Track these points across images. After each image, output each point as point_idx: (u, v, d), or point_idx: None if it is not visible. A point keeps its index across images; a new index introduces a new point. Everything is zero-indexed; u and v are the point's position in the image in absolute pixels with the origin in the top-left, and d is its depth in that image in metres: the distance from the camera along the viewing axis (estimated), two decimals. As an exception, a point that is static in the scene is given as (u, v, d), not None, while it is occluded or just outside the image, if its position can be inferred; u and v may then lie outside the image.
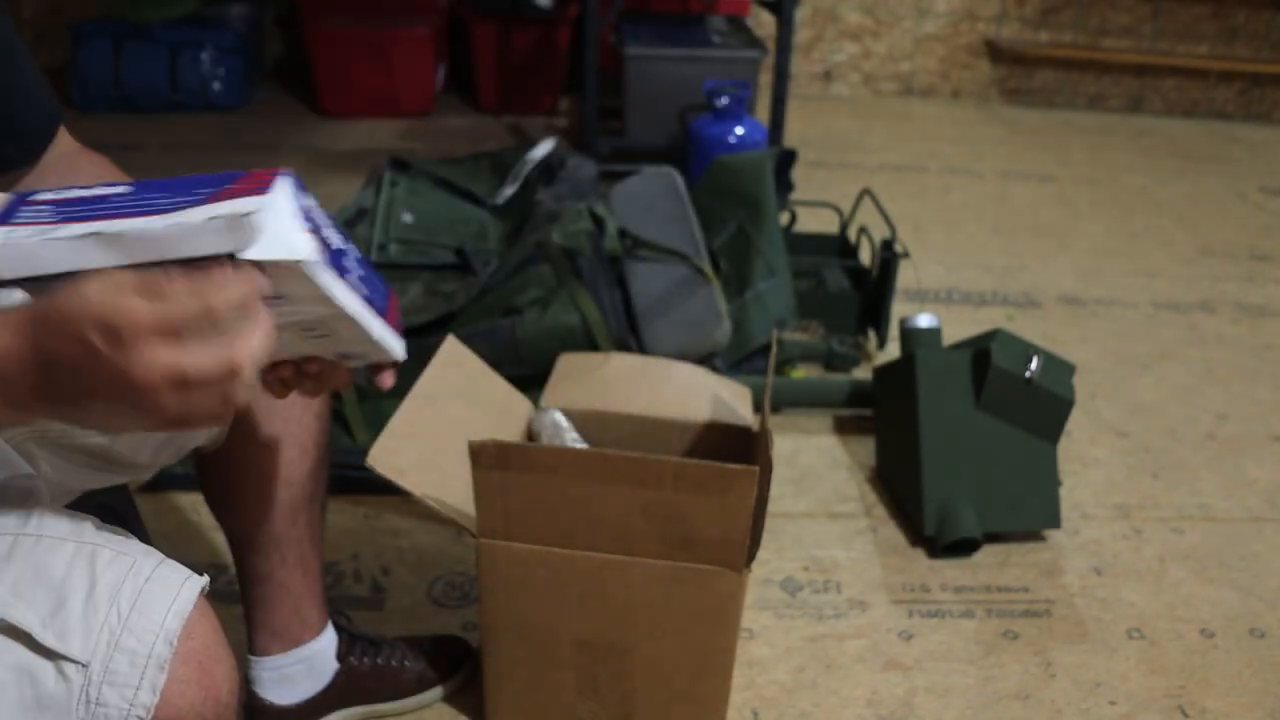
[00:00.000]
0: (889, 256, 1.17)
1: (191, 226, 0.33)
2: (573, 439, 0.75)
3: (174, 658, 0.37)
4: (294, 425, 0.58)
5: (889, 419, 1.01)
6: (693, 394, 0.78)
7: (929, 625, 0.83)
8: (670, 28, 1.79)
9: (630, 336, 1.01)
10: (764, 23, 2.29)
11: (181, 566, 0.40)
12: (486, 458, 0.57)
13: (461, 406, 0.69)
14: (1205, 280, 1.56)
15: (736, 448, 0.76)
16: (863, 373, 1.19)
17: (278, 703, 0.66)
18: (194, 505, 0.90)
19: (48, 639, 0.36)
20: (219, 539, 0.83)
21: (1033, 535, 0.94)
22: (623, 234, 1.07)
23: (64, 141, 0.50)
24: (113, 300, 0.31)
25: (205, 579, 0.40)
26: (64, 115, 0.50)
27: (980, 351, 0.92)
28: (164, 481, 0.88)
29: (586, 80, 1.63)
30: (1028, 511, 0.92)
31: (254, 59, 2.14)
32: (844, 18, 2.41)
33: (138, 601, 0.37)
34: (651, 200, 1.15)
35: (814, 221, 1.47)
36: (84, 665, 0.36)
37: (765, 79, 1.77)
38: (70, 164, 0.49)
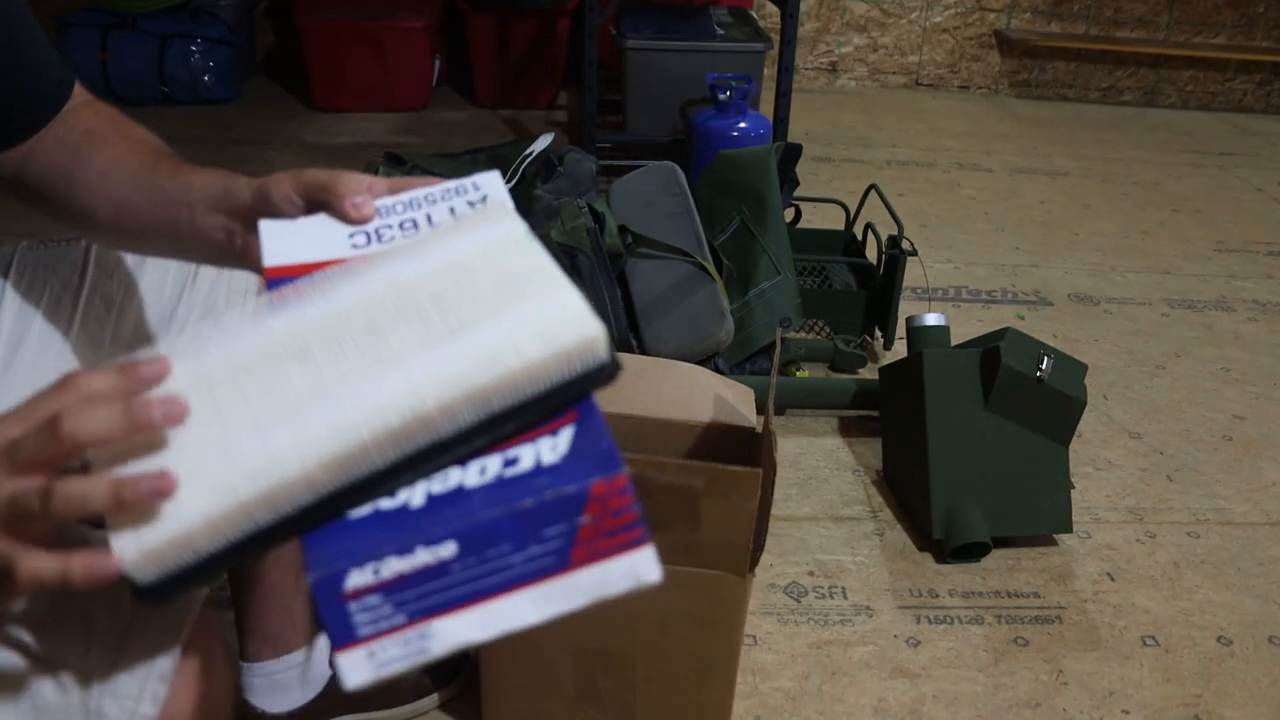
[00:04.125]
0: (896, 254, 1.15)
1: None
2: (571, 441, 0.73)
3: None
4: None
5: (895, 420, 0.99)
6: (695, 394, 0.77)
7: (937, 631, 0.81)
8: (671, 19, 1.76)
9: (631, 336, 0.99)
10: (768, 14, 2.26)
11: None
12: (481, 461, 0.56)
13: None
14: (1221, 278, 1.53)
15: (739, 449, 0.74)
16: (869, 373, 1.17)
17: (270, 710, 0.65)
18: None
19: (46, 650, 0.35)
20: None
21: (1043, 539, 0.92)
22: (623, 231, 1.05)
23: (76, 100, 0.47)
24: None
25: (204, 588, 0.38)
26: (73, 78, 0.47)
27: (989, 351, 0.89)
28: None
29: (585, 73, 1.60)
30: (1038, 515, 0.90)
31: (245, 51, 2.12)
32: (850, 9, 2.37)
33: (138, 611, 0.36)
34: (652, 196, 1.13)
35: (819, 218, 1.45)
36: (83, 676, 0.35)
37: (769, 72, 1.74)
38: (84, 128, 0.45)
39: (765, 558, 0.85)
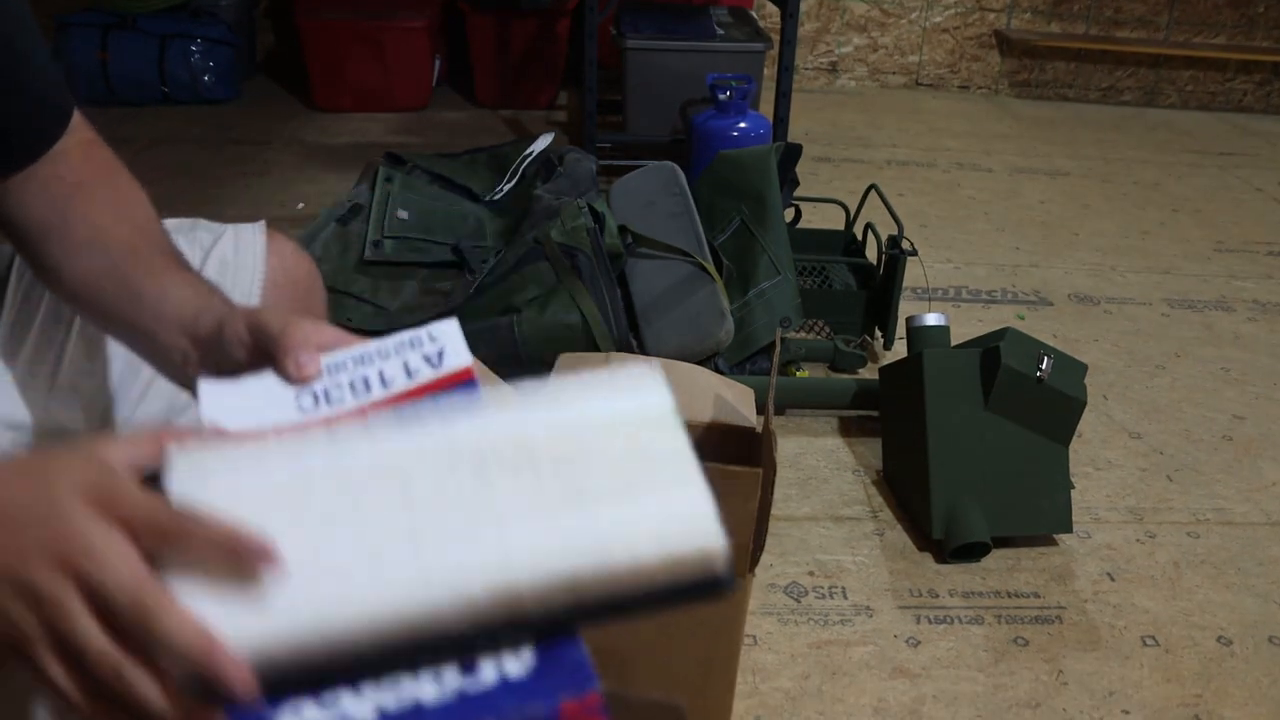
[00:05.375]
0: (896, 254, 1.15)
1: None
2: (571, 441, 0.73)
3: None
4: None
5: (895, 420, 0.99)
6: (694, 394, 0.76)
7: (937, 631, 0.81)
8: (672, 19, 1.76)
9: (631, 336, 0.99)
10: (768, 14, 2.26)
11: None
12: (481, 461, 0.56)
13: (456, 408, 0.67)
14: (1221, 277, 1.53)
15: (739, 449, 0.74)
16: (869, 373, 1.17)
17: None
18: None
19: None
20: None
21: (1043, 539, 0.92)
22: (623, 231, 1.05)
23: (72, 138, 0.43)
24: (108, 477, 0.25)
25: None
26: (71, 108, 0.43)
27: (989, 351, 0.89)
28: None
29: (585, 73, 1.60)
30: (1038, 515, 0.90)
31: (245, 51, 2.12)
32: (850, 9, 2.37)
33: None
34: (652, 196, 1.13)
35: (819, 218, 1.45)
36: None
37: (769, 72, 1.74)
38: (74, 179, 0.42)
39: (765, 558, 0.85)
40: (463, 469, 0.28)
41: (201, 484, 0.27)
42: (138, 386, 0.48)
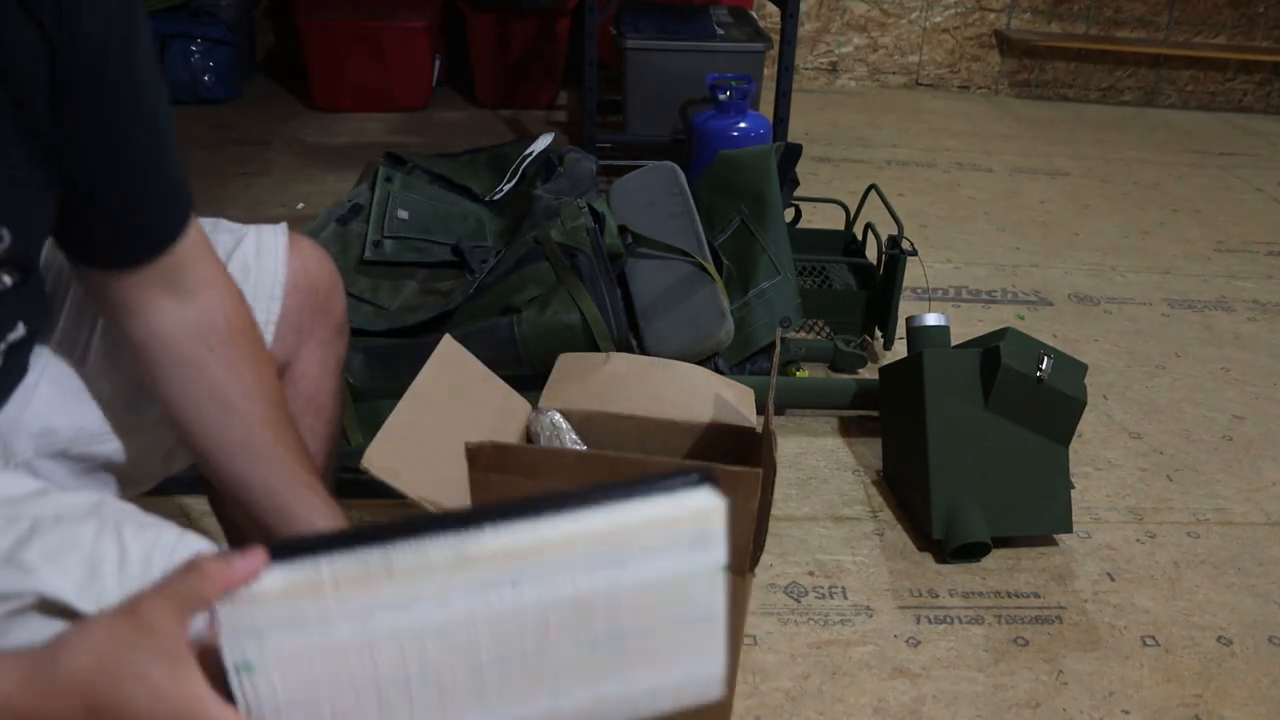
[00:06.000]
0: (896, 254, 1.15)
1: None
2: (572, 440, 0.74)
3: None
4: (303, 430, 0.56)
5: (895, 420, 0.99)
6: (694, 395, 0.77)
7: (937, 631, 0.81)
8: (672, 19, 1.76)
9: (631, 336, 0.99)
10: (768, 14, 2.26)
11: (201, 536, 0.39)
12: (484, 460, 0.56)
13: (458, 407, 0.68)
14: (1221, 278, 1.53)
15: (739, 449, 0.74)
16: (869, 373, 1.18)
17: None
18: (190, 507, 0.89)
19: (84, 604, 0.35)
20: (221, 543, 0.81)
21: (1043, 539, 0.92)
22: (623, 231, 1.05)
23: (188, 249, 0.44)
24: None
25: (226, 548, 0.39)
26: (189, 211, 0.44)
27: (989, 351, 0.89)
28: (167, 483, 0.87)
29: (585, 73, 1.60)
30: (1038, 515, 0.90)
31: (245, 51, 2.12)
32: (850, 9, 2.37)
33: (169, 569, 0.36)
34: (653, 196, 1.13)
35: (819, 218, 1.45)
36: None
37: (769, 72, 1.74)
38: (239, 385, 0.45)
39: (765, 558, 0.85)
40: (527, 636, 0.31)
41: (263, 654, 0.29)
42: None
